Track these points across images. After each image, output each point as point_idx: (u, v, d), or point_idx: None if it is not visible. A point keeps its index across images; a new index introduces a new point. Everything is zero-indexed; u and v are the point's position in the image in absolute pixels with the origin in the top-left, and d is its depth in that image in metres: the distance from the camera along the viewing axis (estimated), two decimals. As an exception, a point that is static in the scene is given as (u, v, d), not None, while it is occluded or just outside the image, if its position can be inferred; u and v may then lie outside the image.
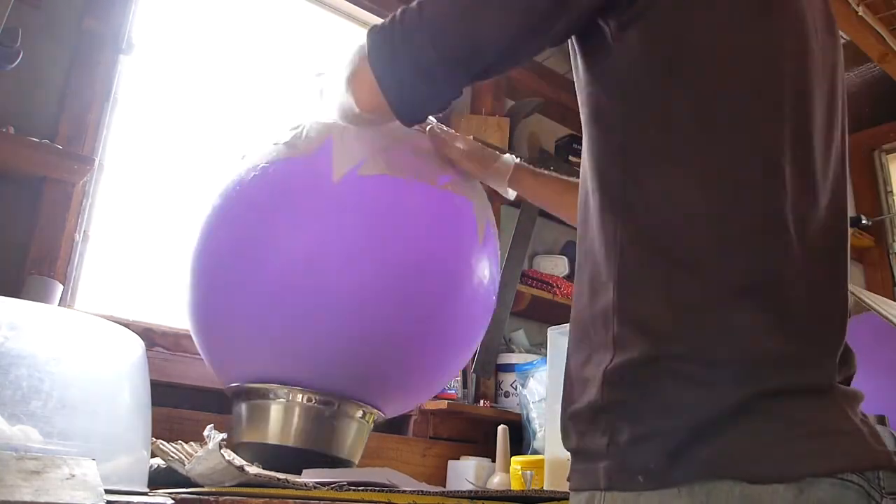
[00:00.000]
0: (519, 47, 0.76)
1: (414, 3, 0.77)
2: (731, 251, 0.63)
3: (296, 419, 1.12)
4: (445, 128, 1.27)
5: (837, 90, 0.76)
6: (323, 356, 1.09)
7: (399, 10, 0.79)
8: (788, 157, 0.67)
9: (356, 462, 1.20)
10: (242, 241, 1.11)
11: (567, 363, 0.74)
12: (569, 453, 0.71)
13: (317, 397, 1.13)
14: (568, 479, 0.71)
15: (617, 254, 0.67)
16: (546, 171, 1.22)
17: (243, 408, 1.15)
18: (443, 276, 1.13)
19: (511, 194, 1.24)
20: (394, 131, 1.19)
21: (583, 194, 0.76)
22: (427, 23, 0.76)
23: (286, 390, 1.12)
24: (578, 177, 0.82)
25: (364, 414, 1.18)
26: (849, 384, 0.68)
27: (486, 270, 1.21)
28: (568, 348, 0.75)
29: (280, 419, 1.12)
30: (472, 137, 1.30)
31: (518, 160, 1.24)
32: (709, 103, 0.66)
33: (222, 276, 1.12)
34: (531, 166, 1.24)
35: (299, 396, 1.12)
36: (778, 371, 0.61)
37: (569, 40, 0.78)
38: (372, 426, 1.22)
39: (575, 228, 0.80)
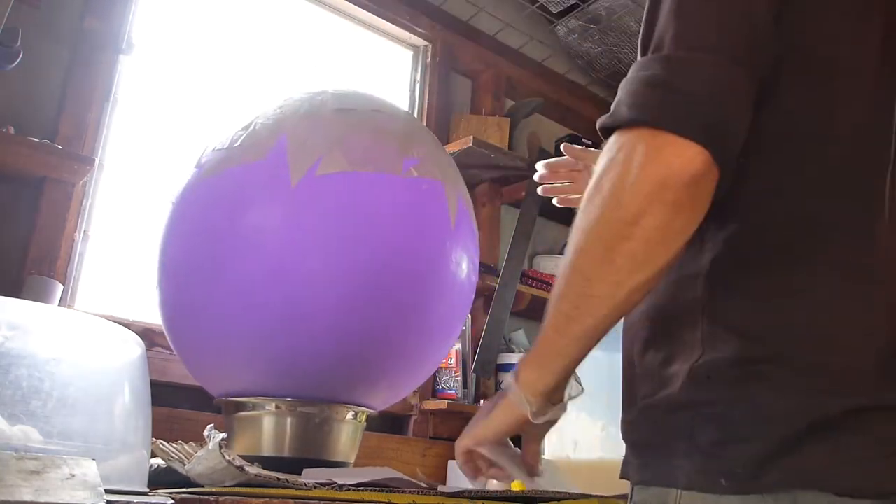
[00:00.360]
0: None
1: (642, 63, 0.63)
2: (835, 252, 0.63)
3: (288, 429, 1.11)
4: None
5: None
6: (302, 365, 1.08)
7: (630, 81, 0.63)
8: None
9: (352, 462, 1.20)
10: (203, 260, 1.08)
11: (633, 359, 0.72)
12: (626, 445, 0.70)
13: (306, 405, 1.12)
14: (624, 473, 0.70)
15: (708, 247, 0.66)
16: None
17: (234, 421, 1.14)
18: (414, 268, 1.10)
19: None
20: (348, 118, 1.15)
21: None
22: (690, 57, 0.62)
23: (275, 402, 1.11)
24: None
25: (356, 414, 1.18)
26: None
27: (461, 254, 1.17)
28: (631, 341, 0.73)
29: (272, 431, 1.11)
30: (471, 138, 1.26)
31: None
32: (827, 102, 0.65)
33: (187, 297, 1.11)
34: None
35: (288, 406, 1.11)
36: (875, 386, 0.60)
37: None
38: (365, 424, 1.22)
39: None
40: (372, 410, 1.21)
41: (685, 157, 0.57)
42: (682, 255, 0.66)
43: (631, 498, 0.71)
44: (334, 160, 1.07)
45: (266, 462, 1.01)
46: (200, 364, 1.16)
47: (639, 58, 0.64)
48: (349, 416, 1.17)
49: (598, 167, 0.62)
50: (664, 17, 0.63)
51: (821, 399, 0.59)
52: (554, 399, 0.70)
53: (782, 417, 0.60)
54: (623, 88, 0.63)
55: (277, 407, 1.11)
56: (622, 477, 0.73)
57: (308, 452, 1.12)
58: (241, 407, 1.13)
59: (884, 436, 0.59)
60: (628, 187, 0.59)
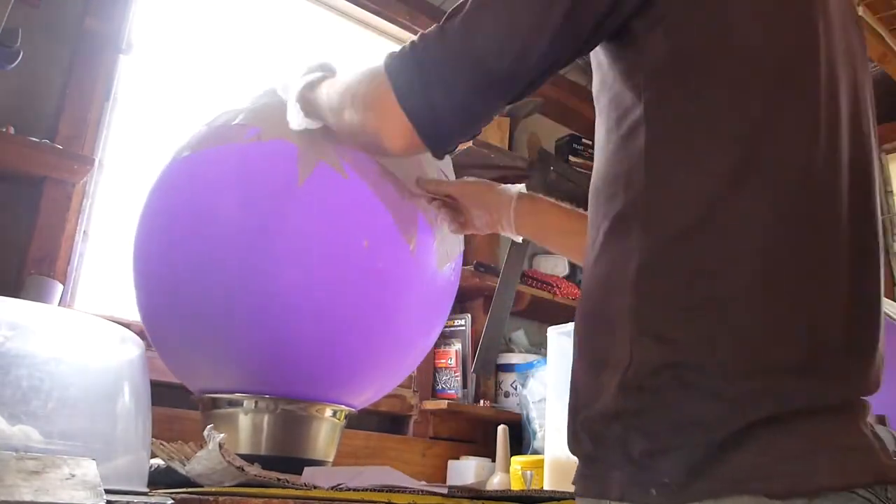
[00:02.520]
0: (550, 65, 0.73)
1: (432, 30, 0.74)
2: (757, 256, 0.62)
3: (265, 427, 1.10)
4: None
5: (863, 87, 0.75)
6: (274, 363, 1.07)
7: (417, 38, 0.76)
8: (823, 150, 0.66)
9: (331, 461, 1.19)
10: (176, 258, 1.08)
11: (574, 366, 0.72)
12: (575, 457, 0.71)
13: (284, 403, 1.11)
14: (573, 483, 0.71)
15: (634, 255, 0.66)
16: (556, 204, 1.13)
17: (211, 418, 1.13)
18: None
19: (518, 237, 1.13)
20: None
21: (595, 195, 0.75)
22: (456, 49, 0.72)
23: (252, 399, 1.10)
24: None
25: (334, 412, 1.17)
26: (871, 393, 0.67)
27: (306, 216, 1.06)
28: (574, 350, 0.73)
29: (249, 428, 1.10)
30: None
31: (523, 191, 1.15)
32: (743, 96, 0.65)
33: (159, 298, 1.11)
34: (540, 196, 1.15)
35: (266, 404, 1.11)
36: (802, 386, 0.60)
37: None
38: (344, 422, 1.21)
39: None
40: (352, 409, 1.20)
41: (401, 134, 0.76)
42: (612, 263, 0.68)
43: None
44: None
45: (243, 460, 1.01)
46: (179, 362, 1.16)
47: (439, 23, 0.74)
48: (328, 414, 1.16)
49: (365, 81, 0.82)
50: (465, 9, 0.72)
51: (750, 404, 0.59)
52: None
53: (711, 425, 0.60)
54: (410, 51, 0.75)
55: (255, 404, 1.10)
56: (573, 482, 0.73)
57: (286, 451, 1.11)
58: (217, 404, 1.12)
59: (811, 434, 0.59)
60: (365, 129, 0.82)
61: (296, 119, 1.02)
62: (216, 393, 1.12)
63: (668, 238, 0.65)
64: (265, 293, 1.03)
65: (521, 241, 1.18)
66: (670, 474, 0.60)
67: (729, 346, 0.61)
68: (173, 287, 1.08)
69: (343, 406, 1.18)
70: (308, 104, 1.00)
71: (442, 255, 1.14)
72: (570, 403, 0.72)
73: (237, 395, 1.11)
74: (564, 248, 1.14)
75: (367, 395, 1.23)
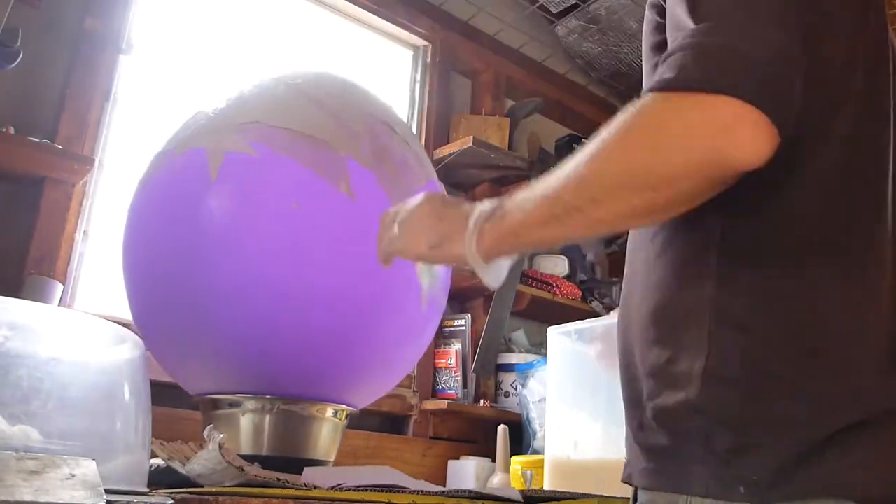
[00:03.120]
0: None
1: (685, 34, 0.60)
2: (847, 245, 0.62)
3: (267, 427, 1.10)
4: None
5: None
6: (271, 364, 1.07)
7: (673, 47, 0.61)
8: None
9: (333, 461, 1.19)
10: (170, 259, 1.08)
11: (634, 358, 0.70)
12: (635, 447, 0.69)
13: (285, 403, 1.11)
14: (628, 477, 0.70)
15: (714, 245, 0.64)
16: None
17: (212, 419, 1.13)
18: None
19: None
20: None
21: None
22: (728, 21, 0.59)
23: (254, 400, 1.10)
24: None
25: (335, 412, 1.17)
26: None
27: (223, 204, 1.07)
28: (631, 342, 0.72)
29: (251, 429, 1.10)
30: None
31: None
32: (833, 105, 0.64)
33: (155, 297, 1.11)
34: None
35: (267, 404, 1.10)
36: (890, 386, 0.59)
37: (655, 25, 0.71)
38: (346, 422, 1.21)
39: None
40: (353, 409, 1.20)
41: (757, 144, 0.55)
42: (686, 253, 0.66)
43: (635, 501, 0.70)
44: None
45: (244, 460, 1.01)
46: (175, 363, 1.16)
47: (690, 22, 0.60)
48: (329, 413, 1.15)
49: (646, 111, 0.60)
50: None
51: (837, 404, 0.58)
52: None
53: (799, 423, 0.59)
54: (674, 56, 0.59)
55: (256, 405, 1.10)
56: (625, 481, 0.72)
57: (287, 451, 1.11)
58: (218, 405, 1.12)
59: None
60: (683, 152, 0.56)
61: (495, 274, 0.74)
62: (216, 394, 1.12)
63: (751, 228, 0.64)
64: (240, 288, 1.03)
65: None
66: (759, 472, 0.59)
67: (822, 342, 0.60)
68: (169, 288, 1.09)
69: (344, 406, 1.18)
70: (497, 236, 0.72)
71: (399, 189, 1.11)
72: (631, 395, 0.71)
73: (238, 396, 1.11)
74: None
75: (368, 396, 1.23)
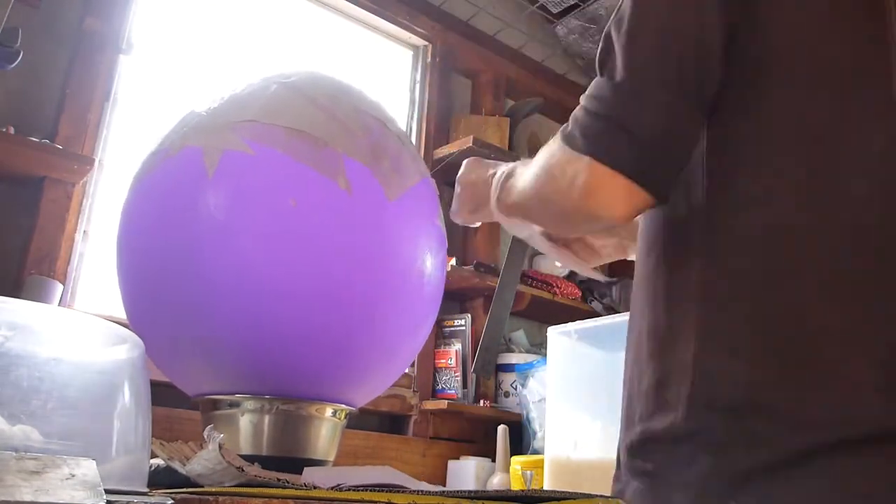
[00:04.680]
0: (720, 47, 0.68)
1: (590, 88, 0.71)
2: (826, 264, 0.61)
3: (266, 427, 1.10)
4: None
5: None
6: (278, 362, 1.07)
7: (583, 100, 0.71)
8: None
9: (332, 461, 1.19)
10: (164, 258, 1.08)
11: (632, 377, 0.71)
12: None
13: (284, 403, 1.10)
14: (620, 493, 0.70)
15: (696, 268, 0.65)
16: None
17: (211, 419, 1.13)
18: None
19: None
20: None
21: None
22: (629, 77, 0.67)
23: (252, 400, 1.10)
24: None
25: (335, 412, 1.17)
26: None
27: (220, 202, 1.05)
28: (630, 360, 0.72)
29: (250, 429, 1.10)
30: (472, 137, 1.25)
31: None
32: (803, 109, 0.64)
33: (150, 297, 1.11)
34: None
35: (266, 404, 1.10)
36: (879, 413, 0.58)
37: None
38: (345, 422, 1.21)
39: None
40: (352, 408, 1.20)
41: (617, 208, 0.66)
42: (674, 272, 0.67)
43: None
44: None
45: (243, 460, 1.01)
46: (172, 363, 1.15)
47: (597, 75, 0.70)
48: (328, 413, 1.15)
49: (547, 161, 0.73)
50: (622, 41, 0.67)
51: (819, 427, 0.58)
52: None
53: (780, 446, 0.58)
54: (579, 112, 0.71)
55: (255, 405, 1.10)
56: (616, 495, 0.72)
57: (287, 451, 1.10)
58: (217, 405, 1.12)
59: (889, 467, 0.57)
60: (565, 201, 0.70)
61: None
62: (214, 395, 1.12)
63: (733, 244, 0.64)
64: (238, 285, 1.03)
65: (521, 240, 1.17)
66: (739, 493, 0.59)
67: (799, 364, 0.59)
68: (164, 288, 1.08)
69: (343, 405, 1.17)
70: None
71: (395, 185, 1.10)
72: (628, 413, 0.71)
73: (237, 397, 1.11)
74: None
75: (366, 394, 1.23)
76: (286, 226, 1.03)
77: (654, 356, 0.68)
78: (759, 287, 0.62)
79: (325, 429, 1.15)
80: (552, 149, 0.73)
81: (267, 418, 1.10)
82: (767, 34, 0.66)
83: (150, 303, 1.12)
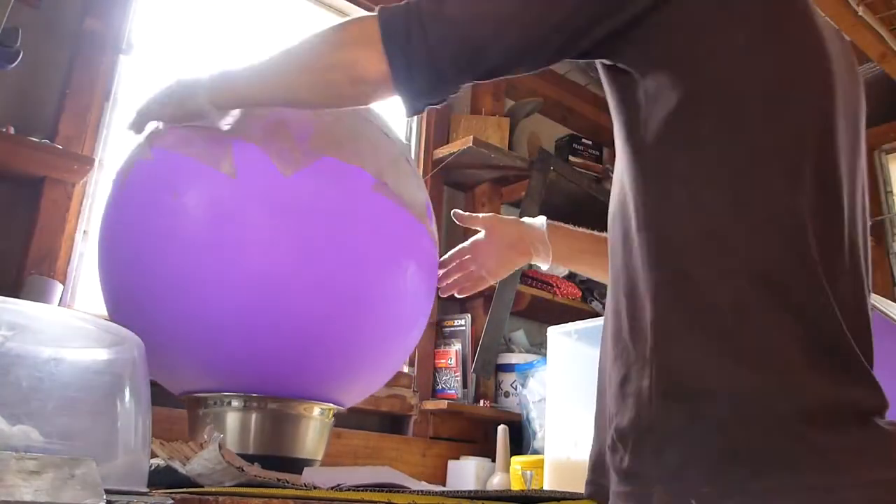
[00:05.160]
0: (522, 59, 0.79)
1: None
2: (754, 276, 0.64)
3: (253, 426, 1.09)
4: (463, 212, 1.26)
5: (860, 133, 0.78)
6: (265, 360, 1.06)
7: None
8: (810, 180, 0.67)
9: (320, 460, 1.19)
10: (147, 253, 1.07)
11: (604, 378, 0.73)
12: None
13: (271, 402, 1.10)
14: (597, 495, 0.72)
15: (652, 263, 0.68)
16: (576, 229, 1.19)
17: (197, 418, 1.12)
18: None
19: (557, 269, 1.21)
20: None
21: (616, 209, 0.76)
22: (443, 19, 0.76)
23: (239, 398, 1.09)
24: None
25: (322, 411, 1.16)
26: None
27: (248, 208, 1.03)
28: (605, 363, 0.75)
29: (237, 427, 1.09)
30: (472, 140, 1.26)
31: (546, 221, 1.20)
32: (731, 130, 0.67)
33: (134, 294, 1.10)
34: (562, 224, 1.20)
35: (253, 402, 1.09)
36: (825, 401, 0.60)
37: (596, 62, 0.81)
38: (332, 421, 1.21)
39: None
40: (340, 407, 1.19)
41: (381, 68, 0.79)
42: (633, 273, 0.70)
43: None
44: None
45: (244, 461, 1.00)
46: (157, 361, 1.14)
47: None
48: (316, 412, 1.15)
49: (344, 25, 0.86)
50: None
51: (764, 407, 0.60)
52: None
53: (739, 433, 0.60)
54: (402, 10, 0.79)
55: (242, 403, 1.09)
56: (599, 500, 0.73)
57: (274, 450, 1.09)
58: (203, 403, 1.11)
59: (841, 449, 0.59)
60: (343, 51, 0.84)
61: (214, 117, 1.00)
62: (200, 392, 1.11)
63: (674, 250, 0.67)
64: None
65: (562, 272, 1.22)
66: (707, 484, 0.60)
67: (741, 355, 0.62)
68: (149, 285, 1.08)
69: (331, 404, 1.16)
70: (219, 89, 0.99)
71: (294, 161, 1.07)
72: (600, 415, 0.73)
73: (224, 394, 1.09)
74: (597, 270, 1.16)
75: (355, 395, 1.22)
76: (175, 222, 1.03)
77: (620, 355, 0.71)
78: (700, 286, 0.65)
79: (313, 428, 1.14)
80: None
81: (254, 416, 1.10)
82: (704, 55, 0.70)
83: (126, 302, 1.13)
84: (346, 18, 0.87)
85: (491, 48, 0.76)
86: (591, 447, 0.78)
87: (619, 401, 0.69)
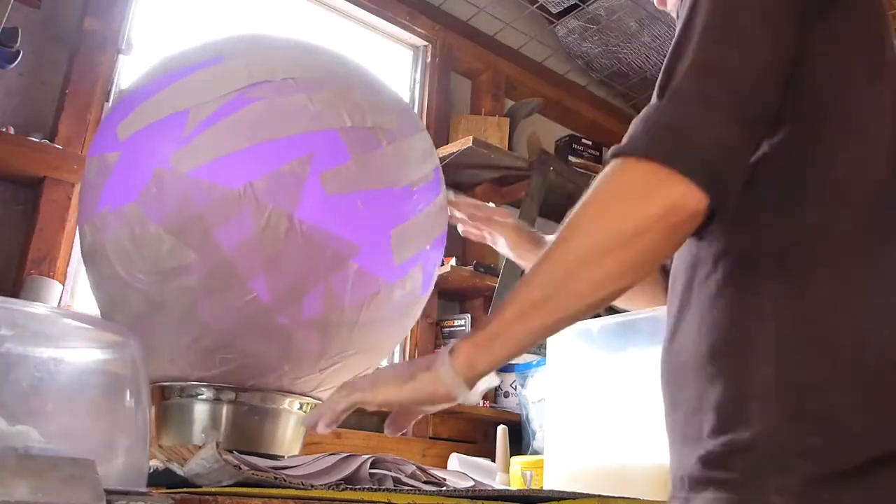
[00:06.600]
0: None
1: (655, 99, 0.69)
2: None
3: (223, 418, 1.02)
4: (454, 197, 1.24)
5: None
6: (237, 349, 0.98)
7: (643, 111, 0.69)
8: None
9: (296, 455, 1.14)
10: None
11: (691, 394, 0.72)
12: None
13: (243, 393, 1.02)
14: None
15: (768, 285, 0.68)
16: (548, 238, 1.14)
17: (163, 409, 1.04)
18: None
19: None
20: None
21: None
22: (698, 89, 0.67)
23: (208, 388, 1.01)
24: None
25: (301, 406, 1.11)
26: None
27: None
28: (683, 379, 0.73)
29: (206, 420, 1.02)
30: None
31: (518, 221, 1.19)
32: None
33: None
34: (532, 231, 1.18)
35: (224, 394, 1.02)
36: None
37: None
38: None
39: None
40: (319, 402, 1.14)
41: (692, 196, 0.63)
42: (745, 292, 0.69)
43: None
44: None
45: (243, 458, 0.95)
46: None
47: (654, 99, 0.68)
48: (293, 406, 1.07)
49: (600, 184, 0.67)
50: (685, 67, 0.66)
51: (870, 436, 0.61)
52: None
53: (862, 449, 0.61)
54: (638, 125, 0.67)
55: (211, 394, 1.02)
56: None
57: (246, 445, 1.01)
58: (169, 393, 1.03)
59: None
60: (639, 207, 0.64)
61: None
62: (169, 381, 1.03)
63: (803, 262, 0.67)
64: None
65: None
66: (837, 498, 0.61)
67: (872, 370, 0.63)
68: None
69: (310, 399, 1.12)
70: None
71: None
72: (687, 431, 0.72)
73: (191, 384, 1.02)
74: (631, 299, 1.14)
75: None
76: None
77: (723, 374, 0.69)
78: (834, 311, 0.65)
79: (291, 423, 1.08)
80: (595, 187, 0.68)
81: (224, 409, 1.02)
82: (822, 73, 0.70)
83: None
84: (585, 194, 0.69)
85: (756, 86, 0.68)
86: (670, 462, 0.76)
87: (728, 417, 0.67)
